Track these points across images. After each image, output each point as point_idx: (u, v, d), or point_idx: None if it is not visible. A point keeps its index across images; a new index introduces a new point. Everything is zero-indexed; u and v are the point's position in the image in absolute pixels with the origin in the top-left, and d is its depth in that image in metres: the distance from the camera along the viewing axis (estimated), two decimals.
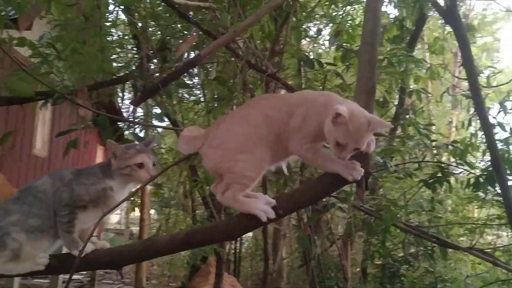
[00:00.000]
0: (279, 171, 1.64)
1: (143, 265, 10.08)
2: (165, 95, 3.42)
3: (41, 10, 4.12)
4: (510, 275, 3.67)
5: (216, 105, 4.52)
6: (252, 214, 1.49)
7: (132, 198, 9.47)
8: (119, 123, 5.08)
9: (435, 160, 3.85)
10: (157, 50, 3.46)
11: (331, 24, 4.65)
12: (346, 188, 3.08)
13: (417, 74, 3.99)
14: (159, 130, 5.25)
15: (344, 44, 3.74)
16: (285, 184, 3.38)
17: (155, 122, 7.09)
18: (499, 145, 3.24)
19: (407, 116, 4.27)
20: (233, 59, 3.80)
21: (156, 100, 5.39)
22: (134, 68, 3.89)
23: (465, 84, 3.41)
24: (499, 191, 2.84)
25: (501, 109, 3.54)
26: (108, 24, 4.15)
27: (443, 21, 3.87)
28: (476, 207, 6.24)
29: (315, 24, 5.40)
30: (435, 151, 3.92)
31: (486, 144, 2.86)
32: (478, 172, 3.47)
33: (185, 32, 4.08)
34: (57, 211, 1.61)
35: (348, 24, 4.15)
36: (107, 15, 4.14)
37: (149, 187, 8.86)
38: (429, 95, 5.17)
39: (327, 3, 4.58)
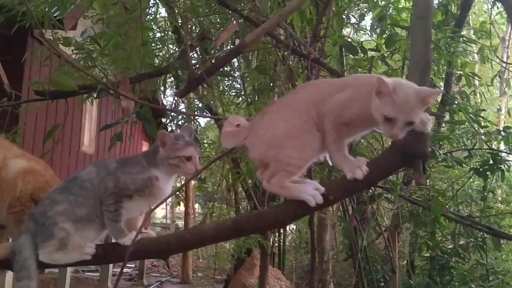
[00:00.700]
0: (323, 162, 1.58)
1: (189, 258, 10.28)
2: (208, 86, 3.41)
3: (85, 10, 4.22)
4: None
5: (257, 97, 4.49)
6: (300, 199, 1.44)
7: (177, 193, 9.65)
8: (162, 118, 5.15)
9: (485, 147, 3.67)
10: (198, 40, 3.45)
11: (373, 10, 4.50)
12: (392, 178, 2.99)
13: (465, 60, 3.83)
14: (202, 124, 5.30)
15: (388, 28, 3.61)
16: (329, 174, 3.30)
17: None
18: None
19: (456, 102, 4.09)
20: (272, 48, 3.75)
21: (197, 94, 5.43)
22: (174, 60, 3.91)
23: None
24: None
25: None
26: (149, 18, 4.20)
27: (490, 3, 3.67)
28: None
29: (358, 9, 5.26)
30: (485, 138, 3.74)
31: None
32: None
33: (225, 21, 4.07)
34: (103, 200, 1.61)
35: (391, 7, 3.98)
36: (148, 11, 4.19)
37: (193, 182, 8.97)
38: (479, 79, 4.96)
39: None
